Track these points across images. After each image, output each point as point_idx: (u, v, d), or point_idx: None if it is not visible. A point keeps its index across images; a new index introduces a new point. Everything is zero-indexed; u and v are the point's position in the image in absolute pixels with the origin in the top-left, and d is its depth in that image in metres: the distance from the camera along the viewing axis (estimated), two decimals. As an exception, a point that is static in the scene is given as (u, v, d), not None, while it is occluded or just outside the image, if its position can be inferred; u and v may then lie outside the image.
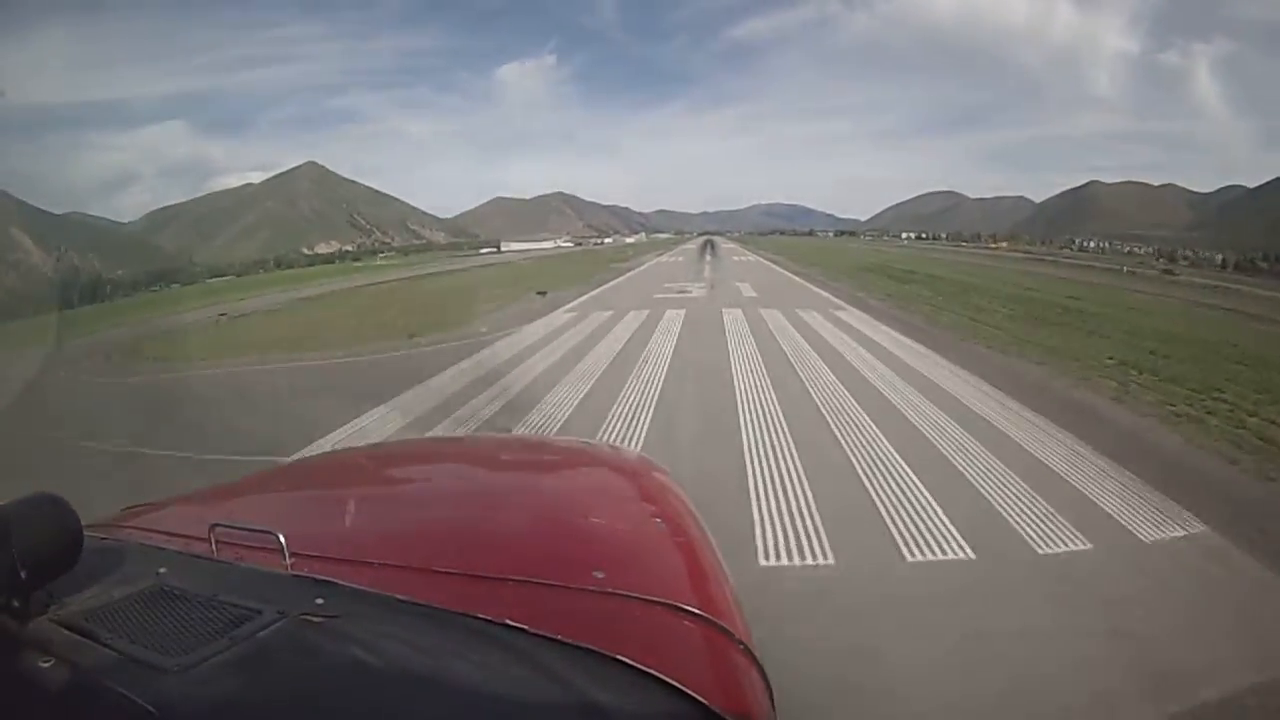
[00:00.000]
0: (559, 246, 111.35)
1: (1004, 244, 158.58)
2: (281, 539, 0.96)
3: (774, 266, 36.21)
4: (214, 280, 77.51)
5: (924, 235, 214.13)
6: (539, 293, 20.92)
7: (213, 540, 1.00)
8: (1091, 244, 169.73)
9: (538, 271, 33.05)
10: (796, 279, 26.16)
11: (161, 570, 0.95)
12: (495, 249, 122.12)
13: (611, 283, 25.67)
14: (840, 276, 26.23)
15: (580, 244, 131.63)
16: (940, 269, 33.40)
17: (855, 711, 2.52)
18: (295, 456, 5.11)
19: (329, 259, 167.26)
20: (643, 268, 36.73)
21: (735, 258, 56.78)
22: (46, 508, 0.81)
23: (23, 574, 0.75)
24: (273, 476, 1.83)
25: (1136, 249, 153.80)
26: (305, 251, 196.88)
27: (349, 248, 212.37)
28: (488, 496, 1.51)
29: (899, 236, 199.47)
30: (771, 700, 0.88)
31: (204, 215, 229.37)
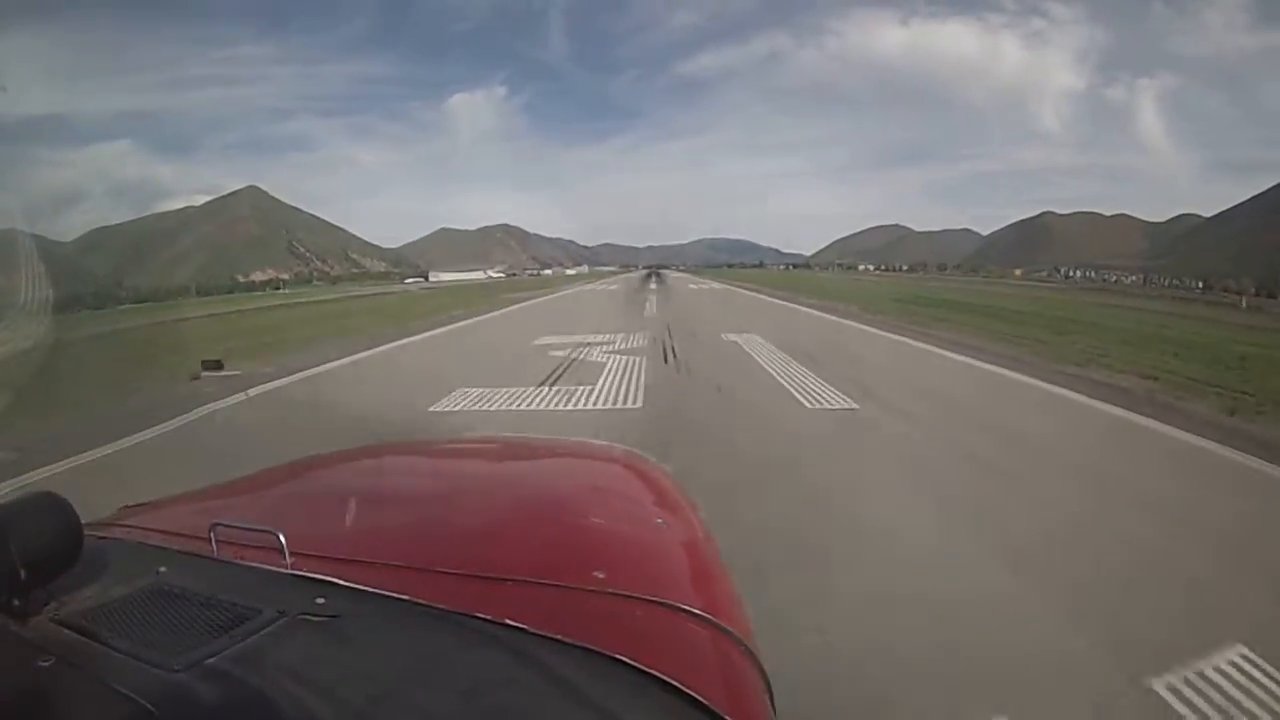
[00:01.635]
0: (490, 277, 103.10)
1: (1018, 272, 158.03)
2: (281, 538, 0.92)
3: (766, 298, 25.78)
4: (127, 306, 68.88)
5: (881, 267, 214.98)
6: (205, 369, 8.57)
7: (213, 539, 0.96)
8: (1077, 273, 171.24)
9: (394, 306, 24.99)
10: (832, 318, 15.43)
11: (161, 569, 0.92)
12: (423, 278, 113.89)
13: (446, 327, 14.65)
14: (901, 315, 15.94)
15: (514, 274, 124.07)
16: (1008, 303, 24.35)
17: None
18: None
19: (251, 287, 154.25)
20: (549, 298, 27.45)
21: (691, 285, 45.33)
22: (46, 506, 0.79)
23: (22, 573, 0.74)
24: (273, 475, 1.66)
25: (1124, 277, 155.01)
26: (240, 279, 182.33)
27: (285, 276, 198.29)
28: (488, 496, 1.45)
29: (855, 268, 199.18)
30: (772, 701, 0.84)
31: (141, 237, 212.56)
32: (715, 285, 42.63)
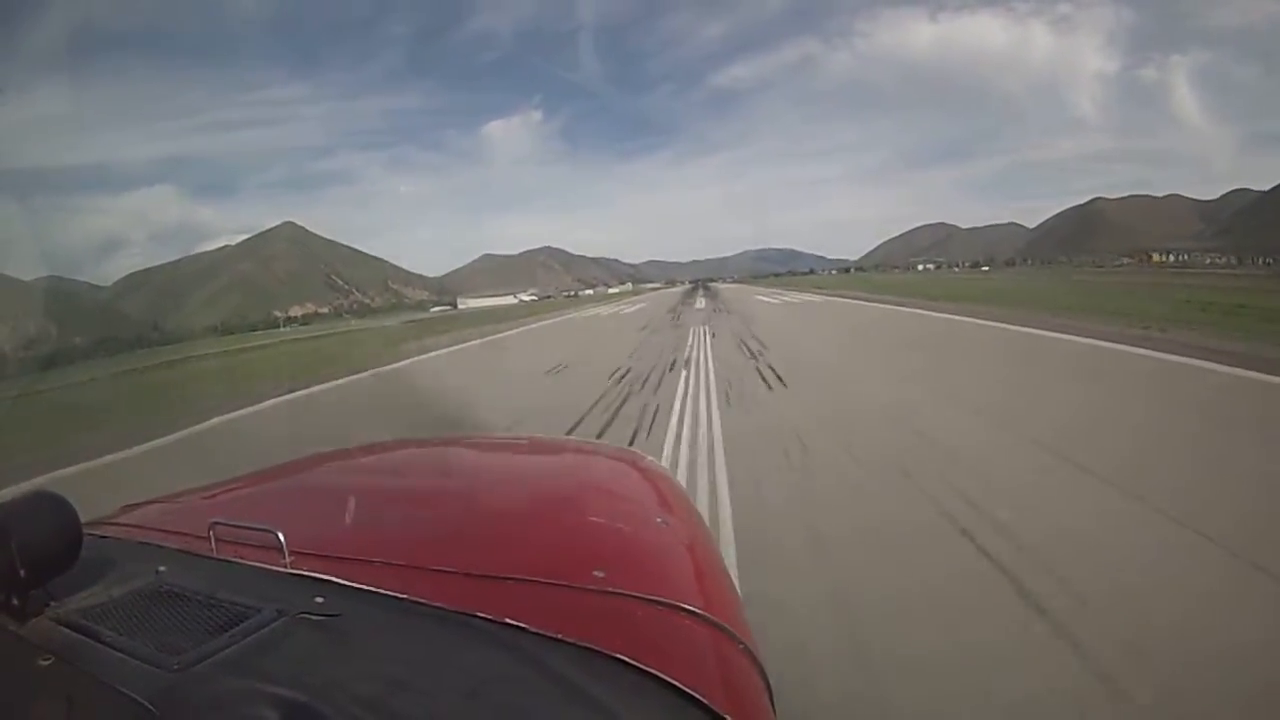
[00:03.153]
0: (521, 300, 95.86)
1: (1155, 257, 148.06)
2: (281, 537, 0.91)
3: (937, 314, 13.88)
4: (141, 350, 66.70)
5: (954, 266, 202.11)
6: None
7: (212, 538, 0.95)
8: (1171, 257, 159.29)
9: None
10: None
11: (161, 569, 0.90)
12: (451, 305, 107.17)
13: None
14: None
15: (548, 296, 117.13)
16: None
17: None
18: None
19: (285, 323, 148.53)
20: (519, 331, 21.23)
21: (761, 298, 31.59)
22: (46, 506, 0.78)
23: (22, 572, 0.73)
24: (273, 474, 1.65)
25: (1217, 258, 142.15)
26: (278, 314, 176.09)
27: (324, 310, 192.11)
28: (488, 495, 1.42)
29: (916, 268, 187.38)
30: (771, 700, 0.83)
31: (177, 279, 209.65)
32: (805, 298, 27.84)
